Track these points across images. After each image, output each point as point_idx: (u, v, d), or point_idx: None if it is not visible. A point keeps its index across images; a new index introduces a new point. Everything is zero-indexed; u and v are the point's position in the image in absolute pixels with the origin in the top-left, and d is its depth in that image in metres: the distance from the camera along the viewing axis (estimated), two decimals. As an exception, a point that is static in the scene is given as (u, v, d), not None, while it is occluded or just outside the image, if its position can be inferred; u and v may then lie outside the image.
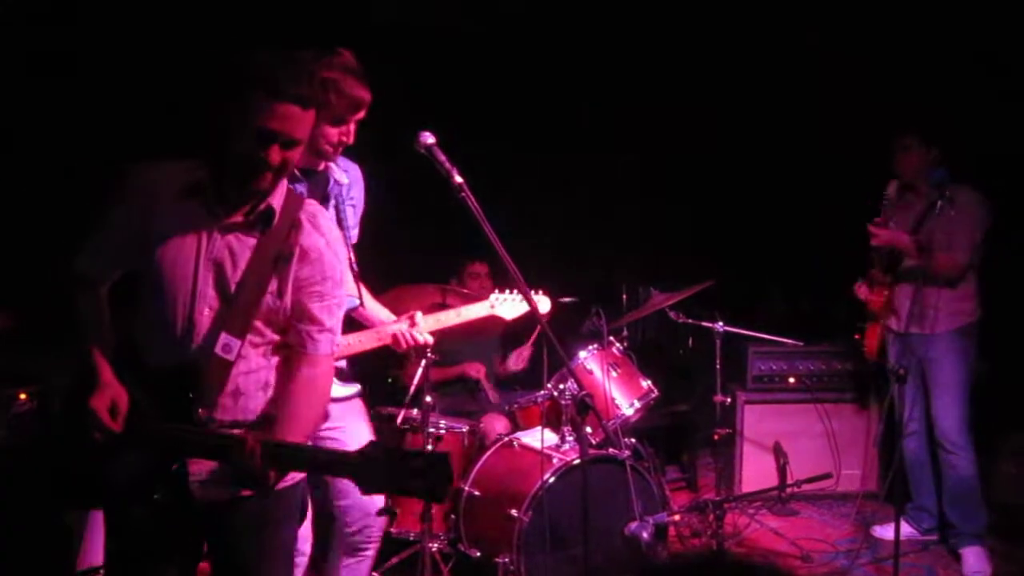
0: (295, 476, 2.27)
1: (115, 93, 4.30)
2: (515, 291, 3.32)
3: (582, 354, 4.09)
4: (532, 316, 2.78)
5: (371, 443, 1.98)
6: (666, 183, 5.75)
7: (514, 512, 3.50)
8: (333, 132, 2.74)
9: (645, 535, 3.44)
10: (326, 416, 2.74)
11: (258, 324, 2.16)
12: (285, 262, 2.15)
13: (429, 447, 3.51)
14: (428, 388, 3.48)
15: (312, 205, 2.26)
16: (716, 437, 4.60)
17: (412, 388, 3.97)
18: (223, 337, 2.11)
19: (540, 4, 5.22)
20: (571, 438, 3.82)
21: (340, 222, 2.93)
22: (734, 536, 4.53)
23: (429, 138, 2.60)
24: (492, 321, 3.58)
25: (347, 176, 2.92)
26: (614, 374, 4.07)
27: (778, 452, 4.94)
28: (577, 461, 3.52)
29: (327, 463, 2.09)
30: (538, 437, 3.69)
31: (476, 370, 4.90)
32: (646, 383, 4.17)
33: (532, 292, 3.45)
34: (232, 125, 2.04)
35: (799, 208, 5.57)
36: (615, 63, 5.48)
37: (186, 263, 2.12)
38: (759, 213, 5.83)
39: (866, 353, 4.53)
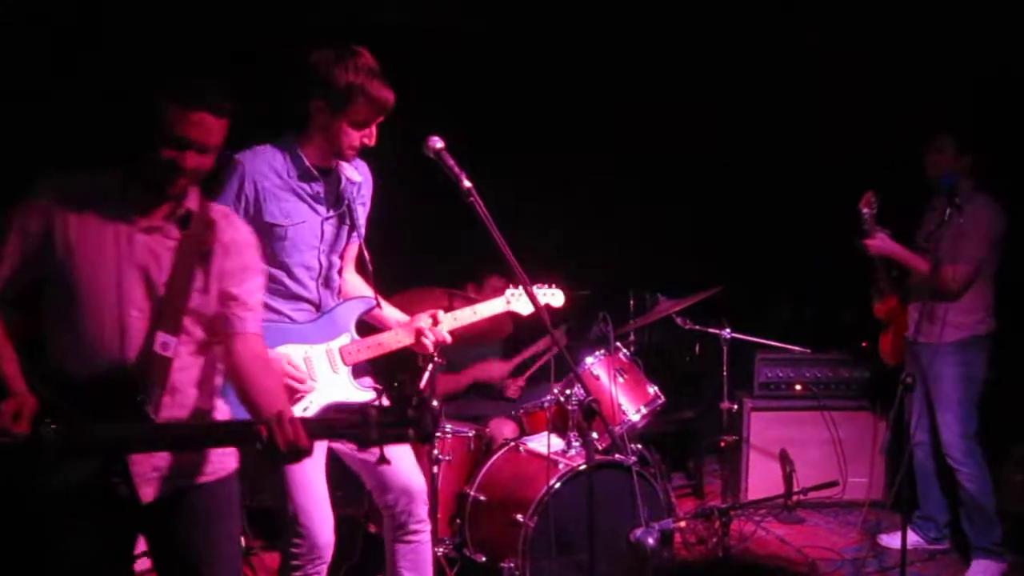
0: (227, 467, 2.35)
1: (30, 100, 4.12)
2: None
3: (589, 360, 4.08)
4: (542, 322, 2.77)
5: (367, 404, 2.16)
6: (672, 188, 5.73)
7: (520, 517, 3.49)
8: (355, 135, 2.72)
9: (650, 541, 3.42)
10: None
11: (186, 322, 2.23)
12: (207, 258, 2.25)
13: (435, 452, 3.51)
14: (434, 392, 3.47)
15: (220, 206, 2.39)
16: (722, 444, 4.59)
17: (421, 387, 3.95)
18: (160, 336, 2.17)
19: (540, 4, 5.21)
20: (577, 443, 3.82)
21: (352, 222, 2.92)
22: (740, 543, 4.52)
23: (438, 142, 2.58)
24: (496, 326, 3.58)
25: (358, 173, 2.91)
26: (621, 380, 4.07)
27: (784, 459, 4.94)
28: (583, 466, 3.52)
29: (331, 427, 2.33)
30: (544, 442, 3.69)
31: (492, 369, 4.84)
32: (653, 389, 4.16)
33: (546, 286, 3.49)
34: (148, 132, 2.11)
35: (807, 214, 5.54)
36: (615, 63, 5.46)
37: (107, 268, 2.17)
38: (767, 219, 5.81)
39: (883, 358, 4.52)
